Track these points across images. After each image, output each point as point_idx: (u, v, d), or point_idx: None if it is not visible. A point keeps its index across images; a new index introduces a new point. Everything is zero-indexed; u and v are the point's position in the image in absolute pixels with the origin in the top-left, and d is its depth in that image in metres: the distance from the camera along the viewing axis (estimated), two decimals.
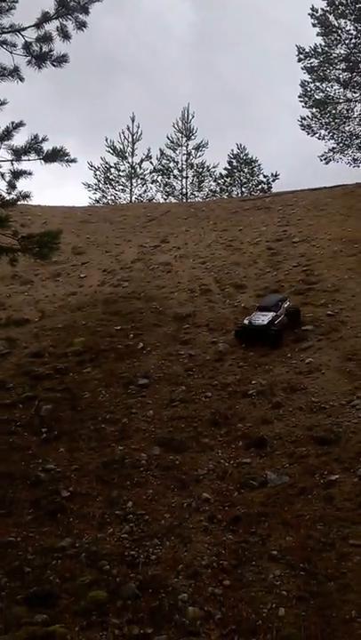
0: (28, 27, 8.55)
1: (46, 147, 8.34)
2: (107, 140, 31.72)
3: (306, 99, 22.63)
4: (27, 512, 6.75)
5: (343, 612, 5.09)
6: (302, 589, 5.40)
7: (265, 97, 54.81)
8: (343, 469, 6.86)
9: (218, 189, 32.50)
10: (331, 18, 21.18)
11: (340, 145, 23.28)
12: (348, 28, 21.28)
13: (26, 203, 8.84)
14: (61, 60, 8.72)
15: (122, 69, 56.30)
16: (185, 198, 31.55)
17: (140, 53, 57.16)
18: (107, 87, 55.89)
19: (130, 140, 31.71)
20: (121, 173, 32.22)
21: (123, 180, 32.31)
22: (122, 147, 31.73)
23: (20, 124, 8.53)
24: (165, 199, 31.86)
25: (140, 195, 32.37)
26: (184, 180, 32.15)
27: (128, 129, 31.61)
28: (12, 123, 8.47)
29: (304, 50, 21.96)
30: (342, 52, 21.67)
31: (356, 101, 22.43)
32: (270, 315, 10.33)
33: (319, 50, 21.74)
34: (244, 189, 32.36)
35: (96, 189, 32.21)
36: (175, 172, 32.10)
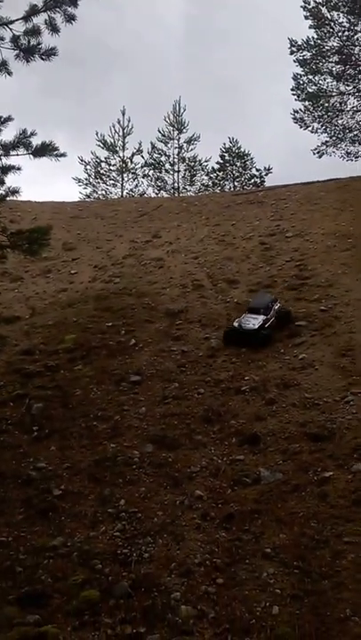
0: (16, 20, 8.45)
1: (35, 141, 8.30)
2: (97, 134, 31.46)
3: (298, 92, 22.45)
4: (18, 511, 6.72)
5: (338, 611, 5.08)
6: (296, 587, 5.39)
7: (258, 90, 54.50)
8: (337, 466, 6.84)
9: (210, 183, 32.36)
10: (323, 10, 20.97)
11: (334, 138, 23.11)
12: (340, 20, 21.07)
13: (15, 198, 8.76)
14: (50, 53, 8.64)
15: (112, 62, 55.74)
16: (177, 193, 31.40)
17: (130, 45, 56.72)
18: (97, 80, 55.44)
19: (120, 133, 31.49)
20: (112, 168, 32.01)
21: (114, 174, 32.10)
22: (112, 140, 31.50)
23: (9, 119, 8.46)
24: (157, 194, 31.72)
25: (131, 189, 32.21)
26: (176, 175, 32.00)
27: (119, 122, 31.39)
28: (0, 117, 8.39)
29: (296, 42, 21.75)
30: (335, 44, 21.45)
31: (349, 94, 22.27)
32: (261, 318, 10.22)
33: (312, 42, 21.53)
34: (236, 183, 32.23)
35: (86, 184, 31.97)
36: (167, 165, 31.92)
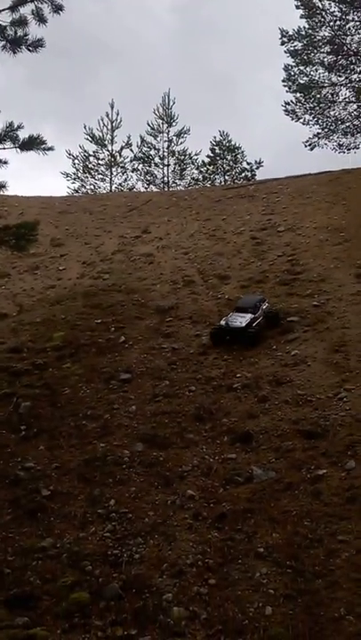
0: (2, 10, 8.37)
1: (22, 134, 8.24)
2: (85, 128, 31.37)
3: (290, 83, 22.28)
4: (6, 512, 6.59)
5: (332, 610, 5.01)
6: (290, 587, 5.32)
7: (249, 82, 54.60)
8: (331, 464, 6.77)
9: (200, 177, 32.30)
10: None
11: (325, 130, 22.99)
12: (332, 9, 20.91)
13: (1, 193, 8.65)
14: (37, 44, 8.61)
15: (100, 54, 55.59)
16: (166, 187, 31.28)
17: (119, 37, 56.44)
18: (85, 73, 55.25)
19: (109, 127, 31.31)
20: (100, 162, 31.82)
21: (102, 168, 31.93)
22: (101, 134, 31.33)
23: None
24: (146, 188, 31.60)
25: (120, 184, 32.06)
26: (165, 168, 31.90)
27: (107, 116, 31.22)
28: None
29: (287, 33, 21.57)
30: (327, 34, 21.30)
31: (341, 85, 22.13)
32: (248, 316, 10.06)
33: (303, 32, 21.37)
34: (227, 177, 32.17)
35: (75, 179, 31.78)
36: (156, 159, 31.81)
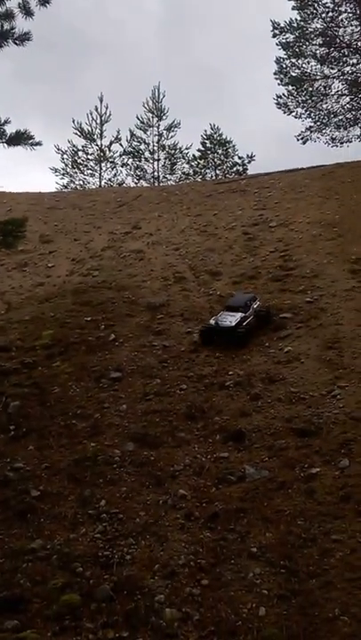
0: None
1: (9, 129, 8.17)
2: (74, 122, 30.95)
3: (281, 76, 22.09)
4: None
5: (326, 611, 5.00)
6: (283, 588, 5.30)
7: (240, 75, 54.24)
8: (324, 462, 6.75)
9: (191, 172, 32.13)
10: None
11: (318, 124, 22.82)
12: (324, 1, 20.78)
13: None
14: (24, 38, 8.59)
15: (89, 47, 54.88)
16: (157, 182, 31.14)
17: (107, 30, 55.79)
18: (73, 66, 54.59)
19: (98, 121, 31.03)
20: (89, 157, 31.55)
21: (91, 163, 31.65)
22: (90, 129, 31.04)
23: None
24: (136, 183, 31.41)
25: (109, 179, 31.82)
26: (156, 163, 31.70)
27: (96, 110, 30.91)
28: None
29: (279, 25, 21.36)
30: (319, 26, 21.13)
31: (333, 78, 21.98)
32: (238, 315, 9.93)
33: (295, 24, 21.20)
34: (218, 171, 32.07)
35: (64, 174, 31.48)
36: (146, 154, 31.60)
